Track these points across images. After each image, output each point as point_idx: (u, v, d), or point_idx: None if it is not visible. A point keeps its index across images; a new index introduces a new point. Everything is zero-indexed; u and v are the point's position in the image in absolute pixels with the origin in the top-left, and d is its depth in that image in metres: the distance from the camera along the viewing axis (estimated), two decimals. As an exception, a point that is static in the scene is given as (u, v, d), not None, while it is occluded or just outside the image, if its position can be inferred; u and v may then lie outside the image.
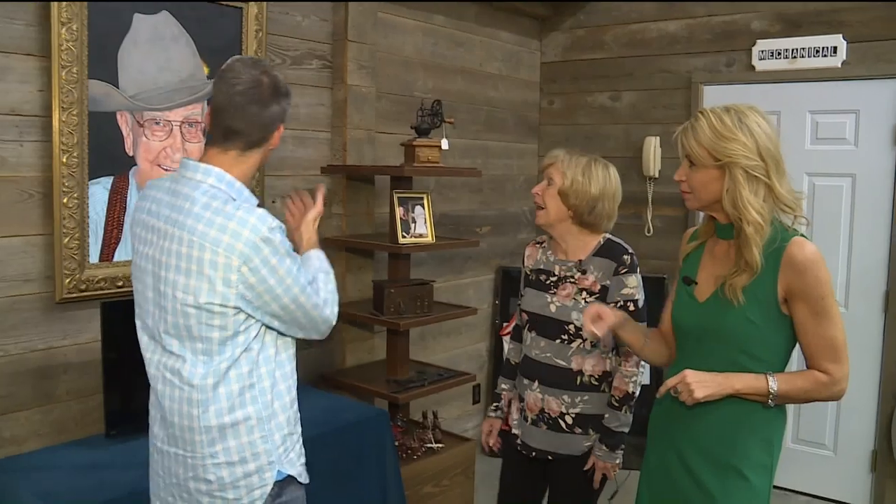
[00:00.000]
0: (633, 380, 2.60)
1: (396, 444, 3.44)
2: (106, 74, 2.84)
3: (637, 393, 2.61)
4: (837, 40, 4.16)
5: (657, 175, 4.73)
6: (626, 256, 2.62)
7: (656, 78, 4.82)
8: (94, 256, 2.86)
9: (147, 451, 2.04)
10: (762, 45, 4.39)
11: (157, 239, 1.84)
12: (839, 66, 4.18)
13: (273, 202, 3.53)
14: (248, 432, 1.87)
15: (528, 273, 2.82)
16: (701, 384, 1.91)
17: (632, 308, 2.58)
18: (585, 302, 2.60)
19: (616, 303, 2.58)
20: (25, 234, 2.72)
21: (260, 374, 1.89)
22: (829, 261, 1.95)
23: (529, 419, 2.73)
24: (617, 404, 2.61)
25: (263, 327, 1.88)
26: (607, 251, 2.65)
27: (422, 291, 3.64)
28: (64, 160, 2.73)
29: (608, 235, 2.71)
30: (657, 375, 4.22)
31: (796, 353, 2.01)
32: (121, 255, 2.93)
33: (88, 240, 2.83)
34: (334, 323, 2.00)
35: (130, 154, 2.96)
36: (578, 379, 2.64)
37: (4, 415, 2.70)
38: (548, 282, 2.72)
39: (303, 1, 3.61)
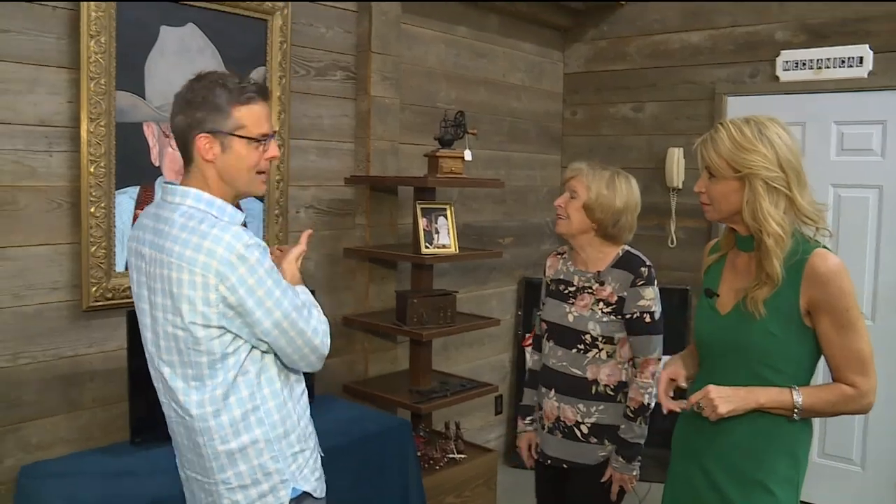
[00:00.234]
0: (648, 391, 2.61)
1: (419, 454, 3.44)
2: (133, 86, 2.89)
3: (652, 404, 2.61)
4: (864, 50, 4.12)
5: (680, 186, 4.71)
6: (643, 269, 2.64)
7: (679, 89, 4.80)
8: (120, 265, 2.89)
9: (171, 459, 2.07)
10: (786, 55, 4.36)
11: (146, 265, 1.85)
12: (865, 76, 4.14)
13: (297, 212, 3.56)
14: (257, 455, 1.86)
15: (549, 283, 2.85)
16: (724, 400, 1.90)
17: (647, 320, 2.61)
18: (602, 312, 2.63)
19: (632, 314, 2.61)
20: (54, 242, 2.76)
21: (263, 395, 1.86)
22: (855, 272, 1.93)
23: (546, 427, 2.76)
24: (632, 415, 2.62)
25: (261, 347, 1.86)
26: (625, 263, 2.67)
27: (445, 302, 3.64)
28: (92, 170, 2.77)
29: (627, 247, 2.73)
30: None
31: (823, 366, 1.99)
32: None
33: (115, 249, 2.87)
34: (325, 355, 1.93)
35: (156, 164, 2.99)
36: (594, 388, 2.66)
37: (32, 421, 2.73)
38: (566, 292, 2.75)
39: (327, 1, 3.64)
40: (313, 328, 1.87)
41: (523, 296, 4.99)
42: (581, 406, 2.67)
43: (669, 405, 2.05)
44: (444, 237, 3.62)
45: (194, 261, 1.73)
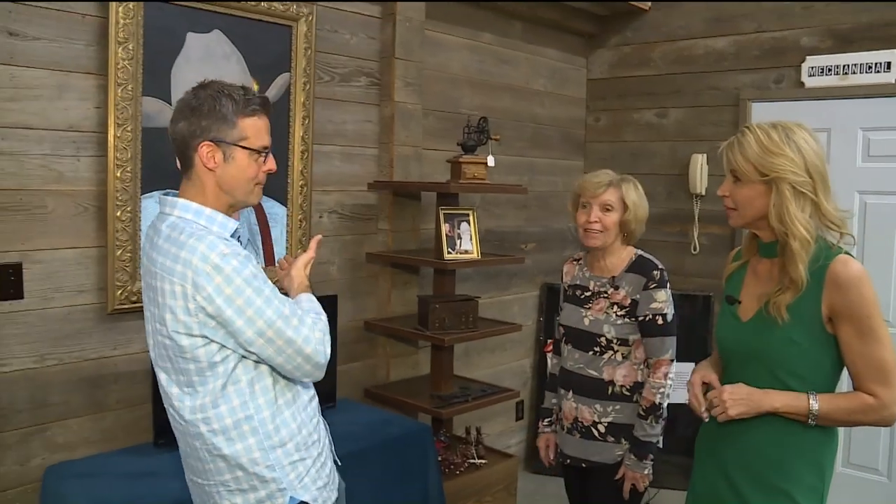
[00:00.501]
0: (660, 391, 2.66)
1: (439, 459, 3.44)
2: (159, 92, 2.92)
3: (664, 404, 2.67)
4: (891, 55, 4.08)
5: (703, 193, 4.69)
6: (655, 272, 2.72)
7: (704, 95, 4.78)
8: (145, 269, 2.92)
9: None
10: (812, 61, 4.33)
11: (147, 278, 1.88)
12: (893, 81, 4.09)
13: (320, 217, 3.58)
14: (251, 464, 1.85)
15: (566, 288, 2.94)
16: (736, 402, 1.91)
17: (660, 322, 2.68)
18: (616, 315, 2.71)
19: (645, 316, 2.68)
20: (81, 245, 2.79)
21: (258, 405, 1.85)
22: (881, 280, 1.91)
23: (565, 427, 2.84)
24: (644, 414, 2.67)
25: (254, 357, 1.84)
26: (639, 267, 2.75)
27: (466, 307, 3.65)
28: (118, 175, 2.81)
29: (639, 252, 2.81)
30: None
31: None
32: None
33: (140, 252, 2.89)
34: (323, 364, 1.88)
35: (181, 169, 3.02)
36: (610, 389, 2.74)
37: (58, 422, 2.77)
38: (583, 297, 2.83)
39: (352, 5, 3.67)
40: (304, 337, 1.82)
41: (545, 301, 4.98)
42: (598, 406, 2.74)
43: (705, 414, 2.03)
44: (467, 243, 3.62)
45: (173, 271, 1.75)
